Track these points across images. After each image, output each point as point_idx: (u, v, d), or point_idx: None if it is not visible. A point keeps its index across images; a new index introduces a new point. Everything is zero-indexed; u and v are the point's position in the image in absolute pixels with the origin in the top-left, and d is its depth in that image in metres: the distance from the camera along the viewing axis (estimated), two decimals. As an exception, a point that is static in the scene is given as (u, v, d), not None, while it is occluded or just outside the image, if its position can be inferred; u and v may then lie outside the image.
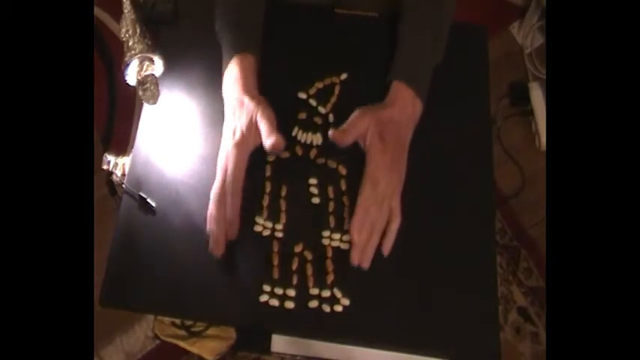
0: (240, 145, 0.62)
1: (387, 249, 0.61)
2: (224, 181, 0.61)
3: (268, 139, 0.61)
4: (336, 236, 0.63)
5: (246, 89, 0.64)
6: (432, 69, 0.68)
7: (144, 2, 0.67)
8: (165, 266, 0.62)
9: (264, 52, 0.70)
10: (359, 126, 0.64)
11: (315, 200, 0.65)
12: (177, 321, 0.72)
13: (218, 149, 0.65)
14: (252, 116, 0.62)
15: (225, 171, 0.61)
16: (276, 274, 0.62)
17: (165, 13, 0.71)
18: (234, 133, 0.63)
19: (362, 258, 0.60)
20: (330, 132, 0.64)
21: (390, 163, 0.63)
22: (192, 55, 0.73)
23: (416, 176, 0.65)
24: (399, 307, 0.61)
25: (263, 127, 0.62)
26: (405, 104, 0.65)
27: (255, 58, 0.67)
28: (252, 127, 0.62)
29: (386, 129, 0.63)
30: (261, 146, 0.63)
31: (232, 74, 0.66)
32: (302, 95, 0.71)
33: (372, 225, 0.61)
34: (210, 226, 0.60)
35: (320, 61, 0.73)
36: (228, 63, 0.66)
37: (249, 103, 0.63)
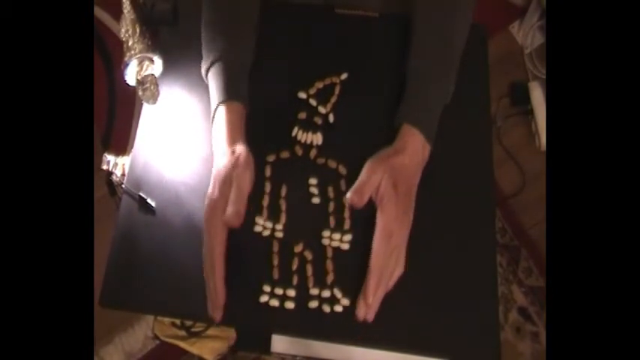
0: (216, 205, 0.59)
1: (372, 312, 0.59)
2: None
3: (231, 207, 0.58)
4: (336, 236, 0.63)
5: (231, 141, 0.62)
6: (441, 110, 0.66)
7: (144, 2, 0.67)
8: (166, 266, 0.62)
9: (265, 53, 0.70)
10: (373, 180, 0.61)
11: (315, 200, 0.65)
12: (177, 321, 0.72)
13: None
14: (228, 174, 0.60)
15: (208, 240, 0.59)
16: (276, 275, 0.62)
17: (165, 13, 0.71)
18: (216, 190, 0.60)
19: (369, 314, 0.59)
20: (347, 196, 0.61)
21: (402, 213, 0.61)
22: (192, 55, 0.73)
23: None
24: (398, 307, 0.61)
25: (233, 192, 0.59)
26: (415, 149, 0.63)
27: (242, 104, 0.65)
28: (227, 185, 0.60)
29: (398, 177, 0.61)
30: (261, 146, 0.63)
31: (218, 124, 0.64)
32: (302, 95, 0.71)
33: (387, 279, 0.59)
34: (208, 289, 0.59)
35: (320, 61, 0.73)
36: (214, 112, 0.65)
37: (227, 159, 0.61)
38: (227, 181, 0.60)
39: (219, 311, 0.58)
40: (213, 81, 0.66)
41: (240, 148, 0.62)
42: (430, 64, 0.66)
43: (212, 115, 0.65)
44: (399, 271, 0.60)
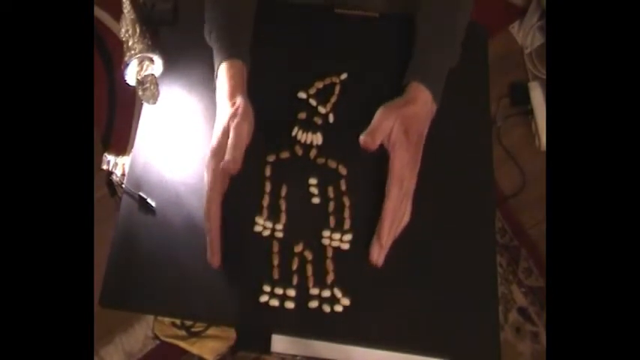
0: (216, 153, 0.61)
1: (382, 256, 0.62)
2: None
3: (227, 155, 0.60)
4: (336, 236, 0.63)
5: (232, 95, 0.64)
6: (447, 71, 0.68)
7: (144, 2, 0.67)
8: (165, 266, 0.62)
9: (265, 53, 0.70)
10: (385, 125, 0.63)
11: (315, 200, 0.65)
12: (177, 321, 0.72)
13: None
14: (226, 126, 0.62)
15: (208, 188, 0.61)
16: (276, 275, 0.62)
17: (165, 13, 0.71)
18: (215, 139, 0.62)
19: (380, 258, 0.61)
20: (360, 138, 0.62)
21: (413, 160, 0.63)
22: (192, 55, 0.73)
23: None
24: (399, 307, 0.61)
25: (230, 140, 0.61)
26: (425, 101, 0.65)
27: (243, 63, 0.67)
28: (226, 135, 0.62)
29: (410, 125, 0.63)
30: (261, 146, 0.63)
31: (221, 81, 0.66)
32: (302, 95, 0.71)
33: (398, 223, 0.61)
34: (206, 236, 0.61)
35: (320, 61, 0.72)
36: (217, 70, 0.67)
37: (227, 111, 0.63)
38: (226, 131, 0.62)
39: (217, 257, 0.60)
40: (216, 43, 0.68)
41: (240, 100, 0.63)
42: (437, 28, 0.69)
43: (215, 74, 0.67)
44: (406, 218, 0.62)
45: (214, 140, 0.62)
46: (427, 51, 0.68)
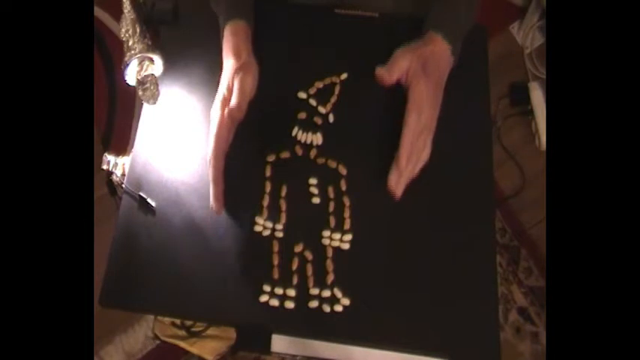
0: (220, 103, 0.63)
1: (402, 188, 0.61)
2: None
3: (233, 101, 0.62)
4: (337, 236, 0.63)
5: (235, 53, 0.66)
6: (464, 33, 0.68)
7: (144, 2, 0.67)
8: (165, 266, 0.62)
9: (265, 53, 0.70)
10: (402, 63, 0.63)
11: (316, 200, 0.65)
12: (177, 321, 0.72)
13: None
14: (231, 79, 0.64)
15: (211, 131, 0.63)
16: (276, 274, 0.62)
17: (165, 13, 0.71)
18: (220, 93, 0.65)
19: (399, 187, 0.60)
20: (376, 71, 0.63)
21: (433, 94, 0.62)
22: (192, 55, 0.73)
23: (416, 176, 0.66)
24: (399, 307, 0.61)
25: (235, 90, 0.63)
26: (442, 49, 0.65)
27: (245, 22, 0.69)
28: (231, 89, 0.64)
29: (428, 62, 0.63)
30: (261, 146, 0.63)
31: (225, 42, 0.68)
32: (302, 95, 0.71)
33: (417, 155, 0.61)
34: (211, 184, 0.62)
35: (320, 61, 0.73)
36: (222, 32, 0.69)
37: (231, 66, 0.65)
38: (230, 84, 0.64)
39: (220, 203, 0.62)
40: (220, 6, 0.70)
41: (244, 56, 0.66)
42: None
43: (221, 35, 0.69)
44: (426, 154, 0.62)
45: (219, 93, 0.64)
46: (444, 9, 0.68)
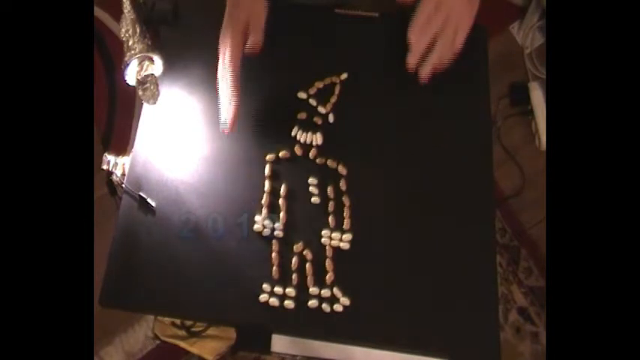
0: (229, 20, 0.64)
1: (426, 71, 0.59)
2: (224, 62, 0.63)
3: (251, 37, 0.63)
4: (336, 236, 0.63)
5: None
6: None
7: (144, 2, 0.67)
8: (165, 266, 0.62)
9: (265, 52, 0.70)
10: None
11: (315, 200, 0.65)
12: (177, 321, 0.72)
13: (218, 149, 0.64)
14: (242, 14, 0.64)
15: (224, 55, 0.63)
16: (275, 274, 0.62)
17: (165, 13, 0.71)
18: (228, 13, 0.65)
19: (419, 67, 0.58)
20: None
21: (468, 3, 0.60)
22: (192, 55, 0.73)
23: (416, 176, 0.66)
24: (398, 307, 0.61)
25: (253, 23, 0.63)
26: None
27: None
28: (237, 8, 0.64)
29: None
30: (261, 145, 0.62)
31: None
32: (302, 95, 0.71)
33: (435, 35, 0.58)
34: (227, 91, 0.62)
35: (320, 61, 0.72)
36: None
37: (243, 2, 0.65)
38: (236, 2, 0.64)
39: (234, 118, 0.61)
40: None
41: None
42: None
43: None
44: (458, 43, 0.59)
45: (227, 14, 0.64)
46: None
